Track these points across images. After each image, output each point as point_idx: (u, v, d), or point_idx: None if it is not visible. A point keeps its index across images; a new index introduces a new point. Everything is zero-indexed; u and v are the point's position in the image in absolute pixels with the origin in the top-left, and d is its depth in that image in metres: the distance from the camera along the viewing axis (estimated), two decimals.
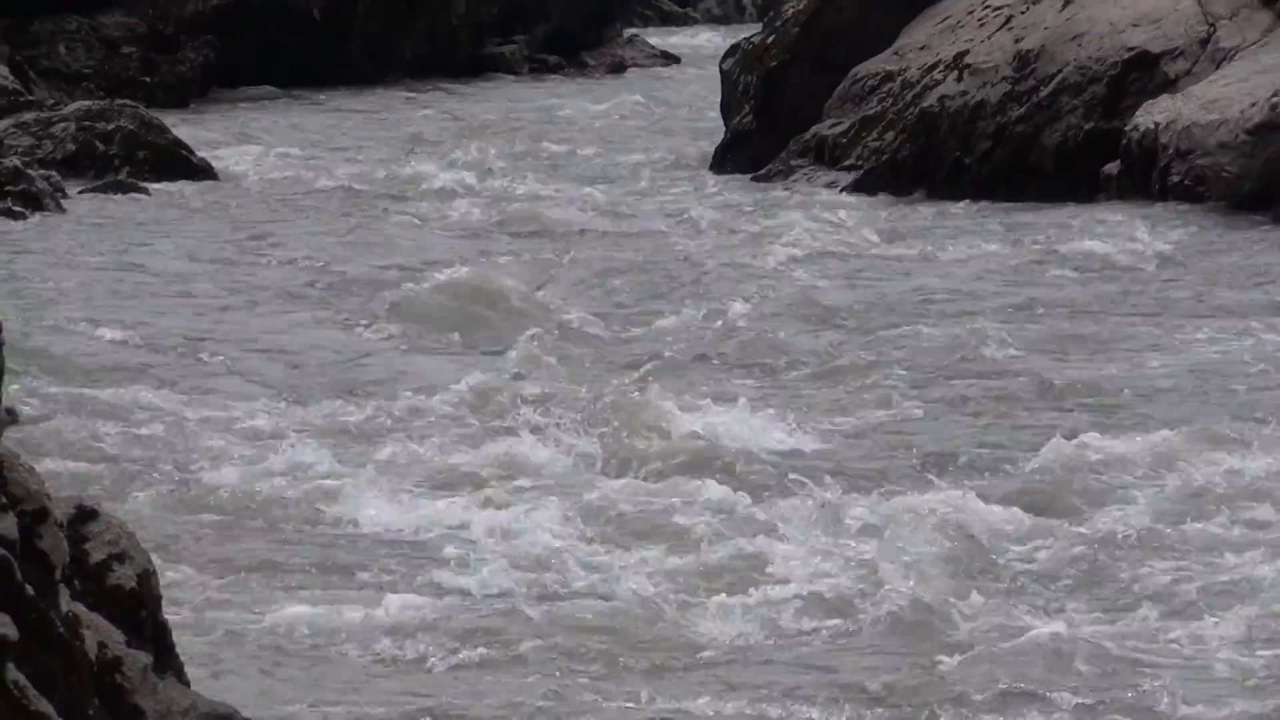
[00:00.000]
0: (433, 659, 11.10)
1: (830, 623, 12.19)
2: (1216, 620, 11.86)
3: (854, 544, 13.24)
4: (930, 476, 14.59)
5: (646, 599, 12.31)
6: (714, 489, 14.20)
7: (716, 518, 13.63)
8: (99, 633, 5.20)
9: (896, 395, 16.47)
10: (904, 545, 13.13)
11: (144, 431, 14.49)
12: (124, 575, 5.37)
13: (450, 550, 12.84)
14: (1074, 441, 14.96)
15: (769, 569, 12.75)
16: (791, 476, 14.42)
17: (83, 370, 15.91)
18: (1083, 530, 13.36)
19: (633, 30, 48.31)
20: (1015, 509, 13.72)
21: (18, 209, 22.95)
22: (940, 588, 12.48)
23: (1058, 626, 11.66)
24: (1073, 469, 14.52)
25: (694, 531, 13.39)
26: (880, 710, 10.93)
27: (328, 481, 13.78)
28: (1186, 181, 24.47)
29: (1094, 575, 12.67)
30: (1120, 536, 13.15)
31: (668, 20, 53.26)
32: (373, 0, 40.85)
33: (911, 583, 12.49)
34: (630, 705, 10.61)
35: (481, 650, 11.30)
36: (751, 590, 12.44)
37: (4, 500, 5.03)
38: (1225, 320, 18.35)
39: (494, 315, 18.70)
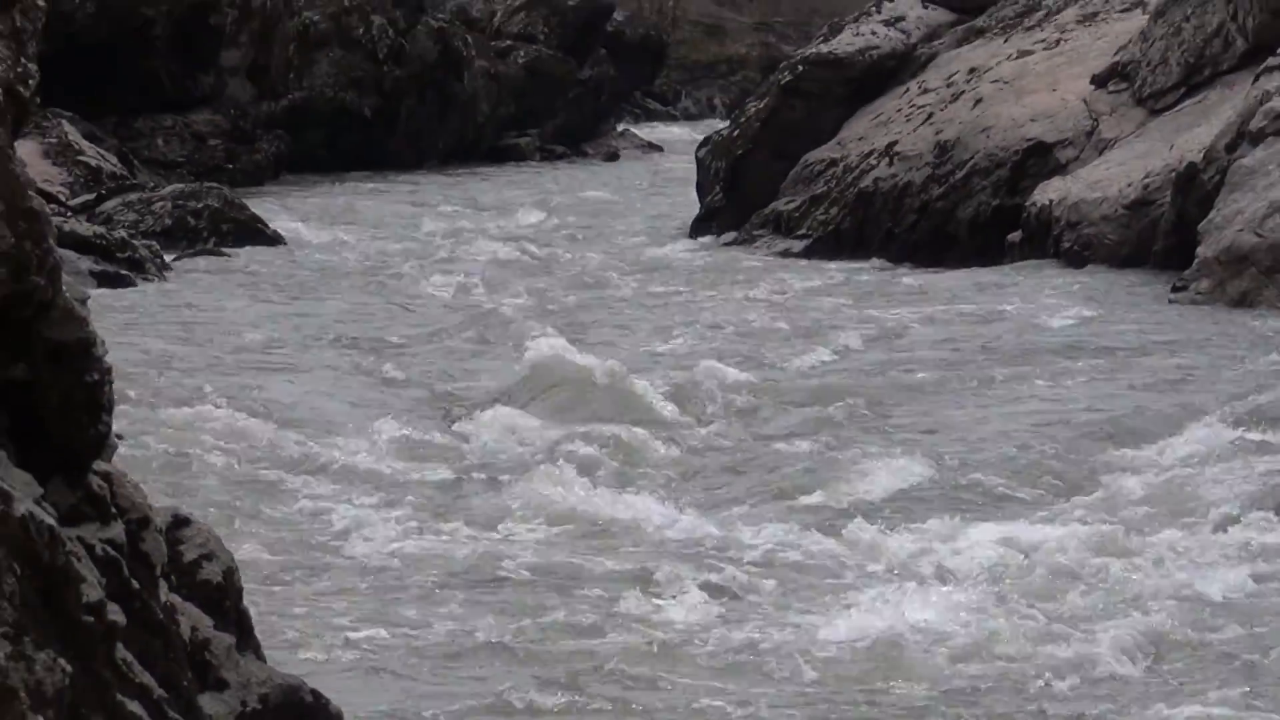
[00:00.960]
0: None
1: None
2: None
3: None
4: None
5: None
6: None
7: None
8: (191, 619, 5.10)
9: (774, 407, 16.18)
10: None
11: (225, 447, 14.11)
12: (212, 571, 5.25)
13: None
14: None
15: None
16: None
17: (176, 400, 15.47)
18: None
19: (624, 125, 47.89)
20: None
21: (125, 272, 22.84)
22: None
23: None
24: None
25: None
26: None
27: (365, 512, 12.97)
28: (1075, 247, 24.35)
29: None
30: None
31: (652, 117, 52.60)
32: (413, 102, 40.62)
33: None
34: None
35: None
36: None
37: (114, 511, 4.90)
38: (1101, 357, 17.99)
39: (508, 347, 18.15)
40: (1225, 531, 11.96)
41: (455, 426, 15.42)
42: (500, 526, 12.64)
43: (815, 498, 13.52)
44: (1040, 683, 9.69)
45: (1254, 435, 14.39)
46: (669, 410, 15.86)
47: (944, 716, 9.38)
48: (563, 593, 11.18)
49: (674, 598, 11.08)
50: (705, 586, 11.33)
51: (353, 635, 10.15)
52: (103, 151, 30.85)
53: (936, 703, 9.56)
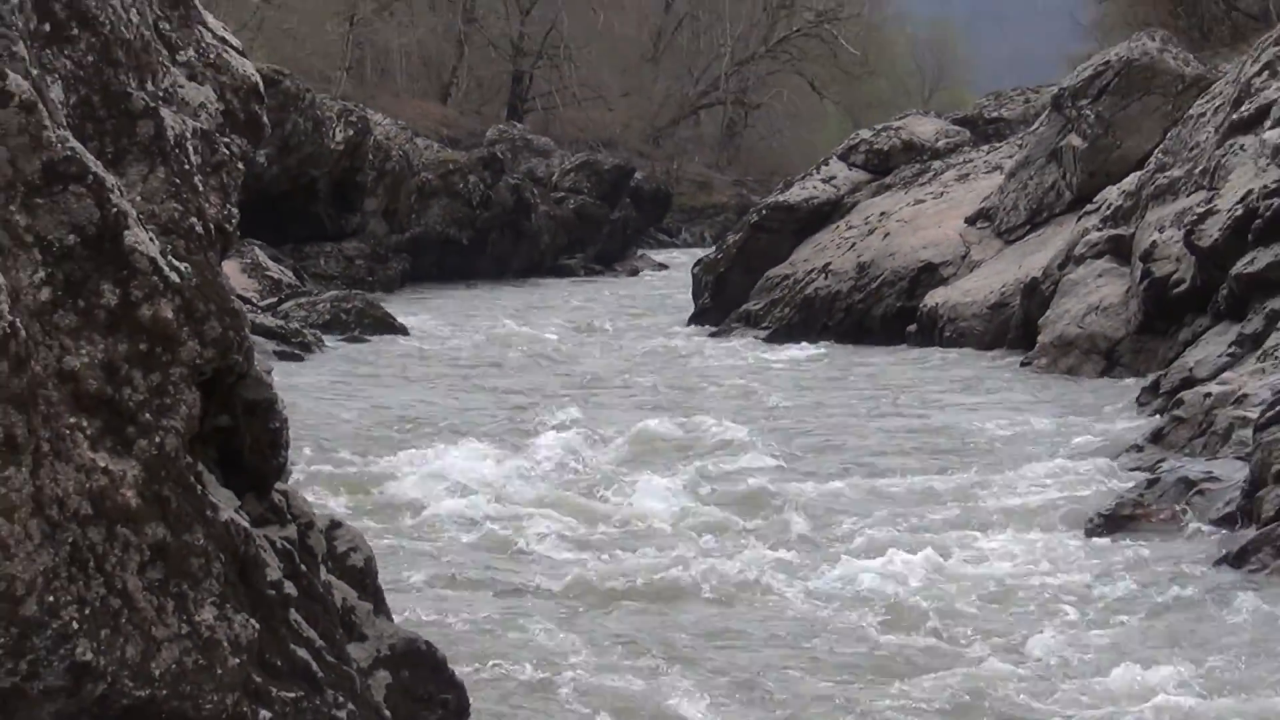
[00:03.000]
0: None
1: None
2: None
3: None
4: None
5: None
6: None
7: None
8: (342, 592, 5.12)
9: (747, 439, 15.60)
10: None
11: (370, 471, 13.94)
12: (356, 559, 5.23)
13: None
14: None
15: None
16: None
17: (338, 442, 15.31)
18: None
19: (642, 251, 47.97)
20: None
21: (297, 351, 22.85)
22: None
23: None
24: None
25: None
26: None
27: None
28: (953, 335, 24.33)
29: None
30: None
31: (661, 245, 52.61)
32: (496, 234, 40.62)
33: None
34: None
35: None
36: None
37: (289, 517, 4.95)
38: (969, 404, 18.14)
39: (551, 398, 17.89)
40: (1044, 533, 11.87)
41: (532, 442, 15.13)
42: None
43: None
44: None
45: (1070, 462, 14.39)
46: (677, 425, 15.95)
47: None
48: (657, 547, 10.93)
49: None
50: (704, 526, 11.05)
51: (453, 604, 9.99)
52: (282, 269, 30.88)
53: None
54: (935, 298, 25.44)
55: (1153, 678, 8.39)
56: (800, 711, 8.08)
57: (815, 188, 30.70)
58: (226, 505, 4.48)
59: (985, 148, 31.81)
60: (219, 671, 4.18)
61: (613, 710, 7.94)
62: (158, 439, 4.19)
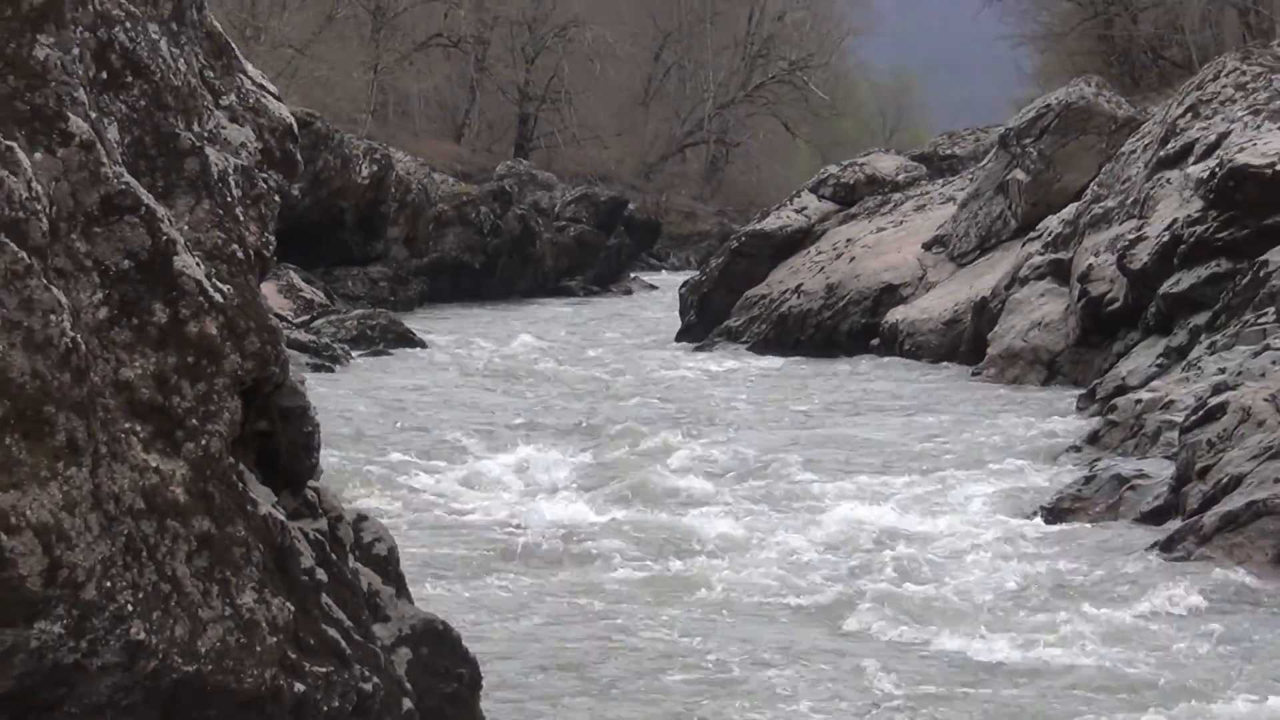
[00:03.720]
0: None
1: None
2: None
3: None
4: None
5: None
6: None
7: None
8: (368, 578, 5.10)
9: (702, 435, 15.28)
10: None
11: (392, 463, 14.00)
12: (381, 548, 5.20)
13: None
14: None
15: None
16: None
17: (361, 442, 15.35)
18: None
19: (635, 273, 47.93)
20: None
21: (328, 363, 22.82)
22: None
23: None
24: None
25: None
26: None
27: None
28: (911, 348, 24.31)
29: None
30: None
31: (652, 268, 52.64)
32: (505, 259, 40.59)
33: None
34: None
35: None
36: None
37: (320, 511, 4.93)
38: (923, 407, 18.09)
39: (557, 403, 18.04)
40: (995, 523, 11.87)
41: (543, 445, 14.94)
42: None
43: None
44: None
45: (1016, 460, 14.40)
46: (664, 427, 15.79)
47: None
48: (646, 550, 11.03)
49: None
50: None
51: (466, 586, 9.97)
52: (314, 290, 30.88)
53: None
54: (896, 315, 25.46)
55: (1084, 652, 8.45)
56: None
57: (789, 217, 30.72)
58: (265, 501, 4.49)
59: (940, 181, 31.83)
60: (258, 649, 4.19)
61: (610, 680, 7.93)
62: (203, 442, 4.20)
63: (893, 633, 9.00)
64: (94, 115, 4.15)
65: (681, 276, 37.41)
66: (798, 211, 30.85)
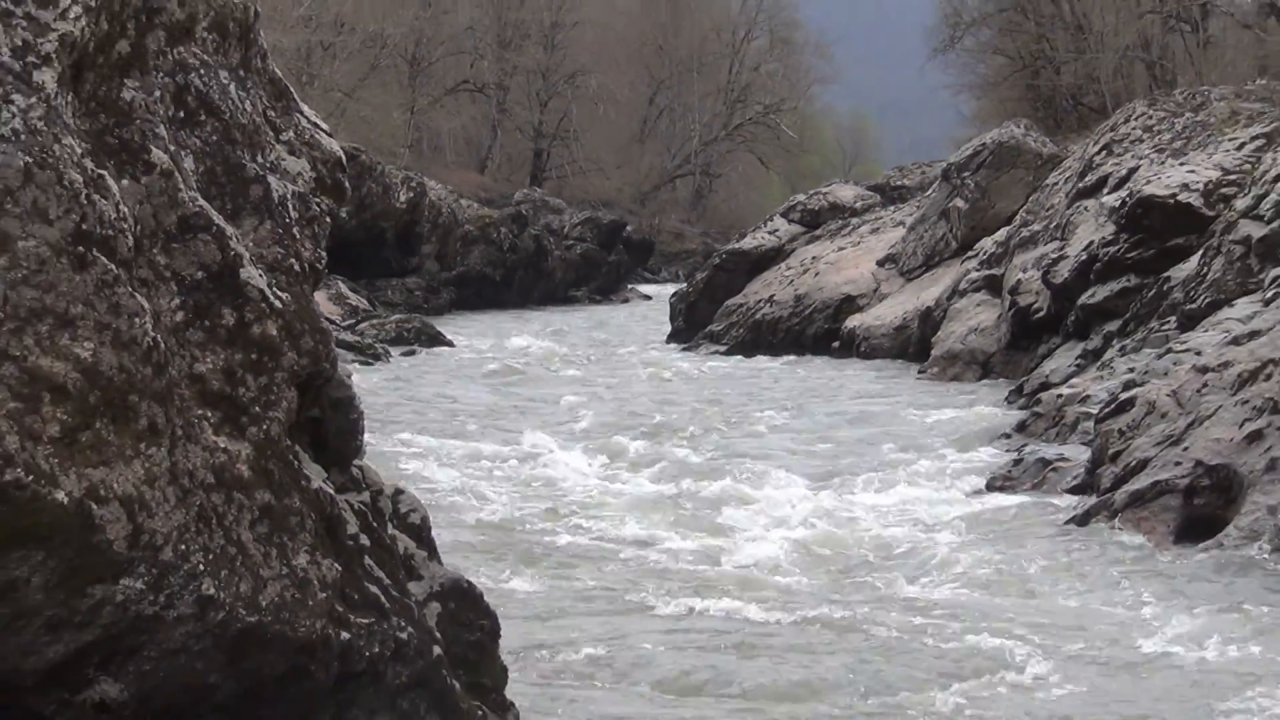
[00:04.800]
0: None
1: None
2: None
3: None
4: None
5: None
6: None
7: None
8: (404, 542, 5.05)
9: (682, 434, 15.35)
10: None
11: (427, 447, 13.94)
12: (415, 517, 5.19)
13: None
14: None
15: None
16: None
17: (402, 426, 15.36)
18: None
19: (632, 285, 47.93)
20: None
21: (370, 360, 22.86)
22: None
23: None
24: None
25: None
26: None
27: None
28: (866, 350, 24.32)
29: None
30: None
31: (646, 281, 52.54)
32: (522, 272, 40.72)
33: None
34: None
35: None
36: None
37: (364, 485, 4.87)
38: (875, 396, 18.10)
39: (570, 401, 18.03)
40: (938, 499, 11.89)
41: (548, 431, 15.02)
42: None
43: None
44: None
45: (954, 445, 14.43)
46: (658, 413, 15.84)
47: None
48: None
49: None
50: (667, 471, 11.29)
51: (484, 551, 9.95)
52: (359, 297, 30.89)
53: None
54: (853, 321, 25.48)
55: (1008, 603, 8.45)
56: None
57: (763, 238, 30.74)
58: (317, 477, 4.48)
59: (892, 208, 31.88)
60: (310, 603, 4.19)
61: (596, 639, 7.90)
62: (265, 426, 4.19)
63: (846, 582, 9.04)
64: (173, 148, 4.15)
65: (671, 288, 37.46)
66: (770, 233, 30.88)
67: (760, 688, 6.98)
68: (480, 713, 5.09)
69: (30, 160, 3.51)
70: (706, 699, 6.86)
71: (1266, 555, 9.16)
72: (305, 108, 4.96)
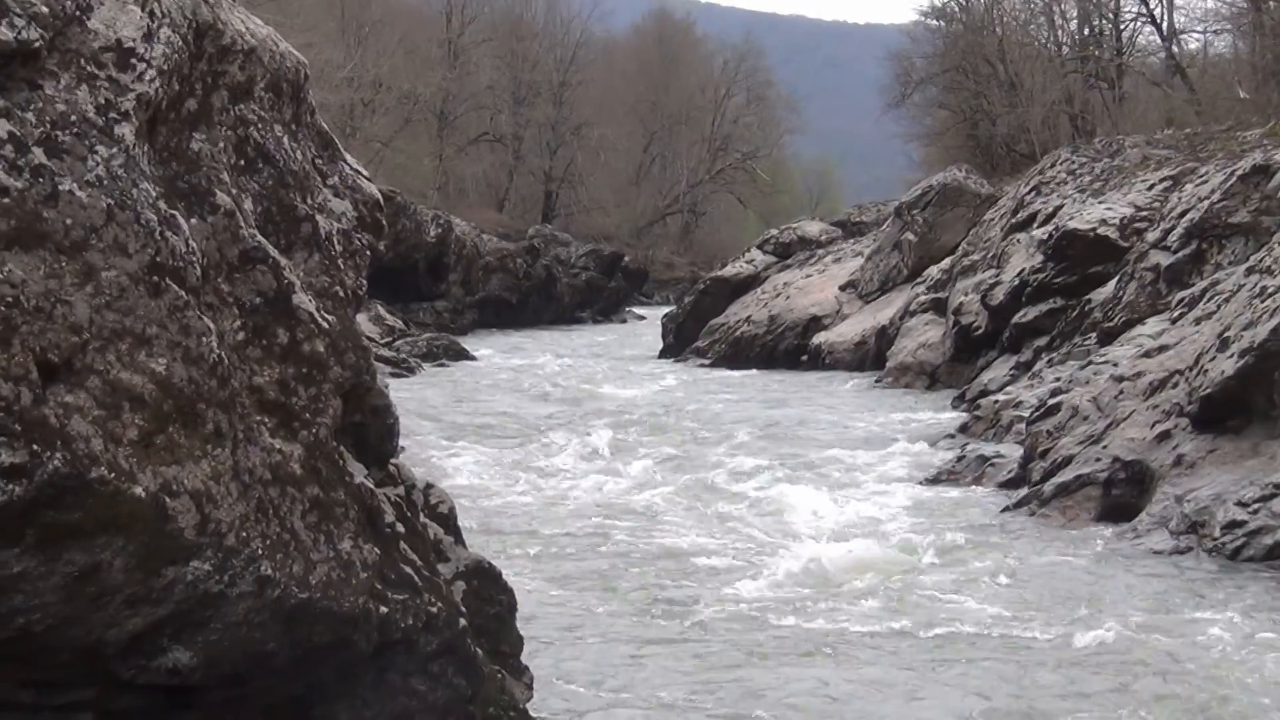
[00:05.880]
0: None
1: None
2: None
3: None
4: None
5: None
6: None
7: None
8: (433, 529, 5.05)
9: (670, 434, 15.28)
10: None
11: (459, 448, 13.90)
12: (443, 508, 5.18)
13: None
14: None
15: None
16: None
17: (432, 428, 15.34)
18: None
19: (630, 308, 47.80)
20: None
21: (404, 372, 22.79)
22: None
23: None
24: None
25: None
26: None
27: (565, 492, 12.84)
28: (831, 362, 24.34)
29: None
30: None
31: (642, 304, 52.44)
32: (535, 297, 40.66)
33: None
34: None
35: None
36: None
37: (399, 480, 4.85)
38: (837, 404, 18.01)
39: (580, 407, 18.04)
40: (892, 491, 11.84)
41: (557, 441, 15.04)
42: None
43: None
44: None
45: (906, 443, 14.40)
46: (651, 416, 15.81)
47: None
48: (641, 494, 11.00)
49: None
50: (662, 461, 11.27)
51: (502, 536, 9.93)
52: (395, 318, 30.81)
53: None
54: (819, 338, 25.46)
55: (948, 575, 8.44)
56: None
57: (741, 266, 30.74)
58: (359, 473, 4.47)
59: (852, 241, 31.89)
60: (354, 582, 4.18)
61: (587, 609, 7.89)
62: (314, 430, 4.19)
63: (806, 555, 8.98)
64: (234, 191, 4.16)
65: (663, 310, 37.42)
66: (748, 262, 30.88)
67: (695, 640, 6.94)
68: (500, 675, 5.09)
69: (112, 202, 3.52)
70: (673, 645, 6.84)
71: (1171, 537, 9.17)
72: (348, 156, 4.96)
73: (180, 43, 3.88)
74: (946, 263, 23.69)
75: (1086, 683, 6.39)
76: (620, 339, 35.32)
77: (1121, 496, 10.07)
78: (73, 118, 3.50)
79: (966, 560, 9.00)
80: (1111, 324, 15.28)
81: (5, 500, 3.15)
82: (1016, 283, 19.43)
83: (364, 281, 4.67)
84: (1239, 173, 15.19)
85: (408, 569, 4.54)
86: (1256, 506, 8.72)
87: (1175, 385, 10.74)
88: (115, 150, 3.57)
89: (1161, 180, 19.23)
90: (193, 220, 3.90)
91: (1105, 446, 10.58)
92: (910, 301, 23.48)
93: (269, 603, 3.86)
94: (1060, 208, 20.96)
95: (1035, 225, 20.98)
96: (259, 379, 4.04)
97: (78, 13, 3.59)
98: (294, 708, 4.20)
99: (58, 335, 3.32)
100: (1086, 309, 17.32)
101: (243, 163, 4.26)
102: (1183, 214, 15.82)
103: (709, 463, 13.24)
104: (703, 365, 26.41)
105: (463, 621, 4.76)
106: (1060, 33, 43.84)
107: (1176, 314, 12.94)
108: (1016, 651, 6.94)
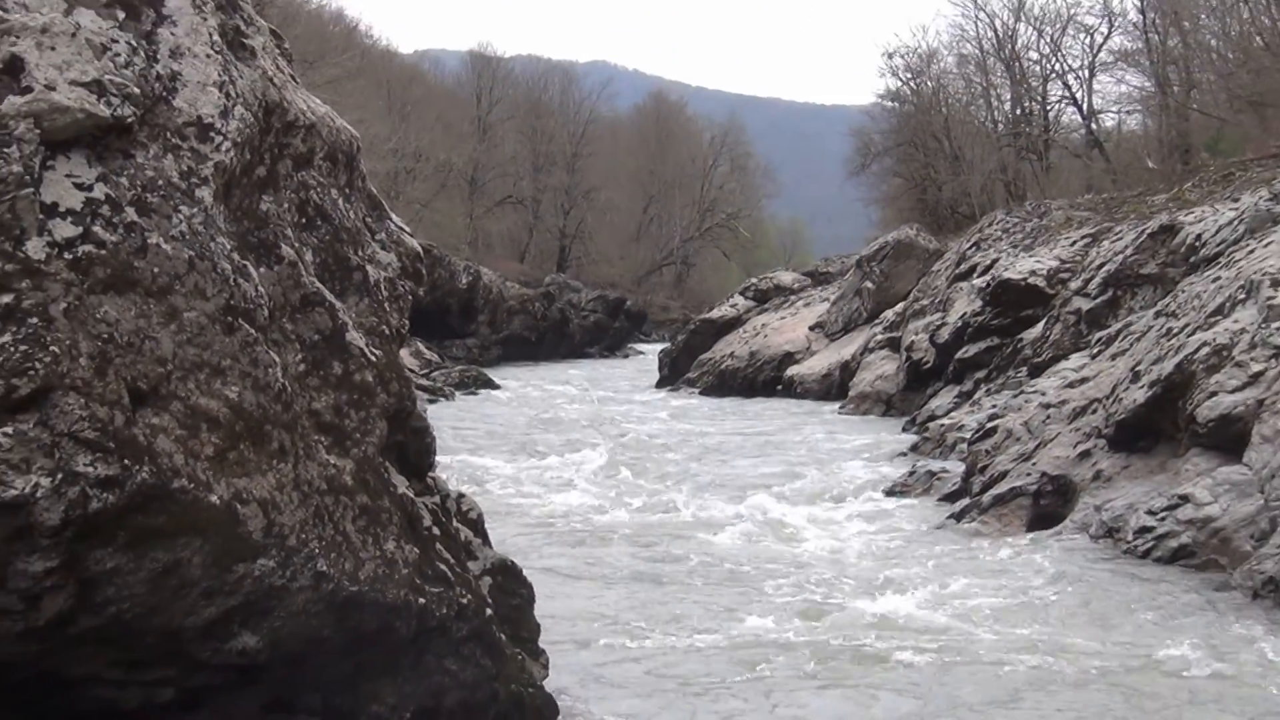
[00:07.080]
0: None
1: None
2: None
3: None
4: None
5: None
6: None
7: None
8: (464, 532, 5.00)
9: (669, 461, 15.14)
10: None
11: (486, 466, 13.68)
12: (473, 514, 5.16)
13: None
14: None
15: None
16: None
17: (464, 449, 15.21)
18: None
19: (631, 344, 47.85)
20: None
21: (440, 398, 22.73)
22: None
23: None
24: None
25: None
26: None
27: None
28: (802, 391, 24.27)
29: None
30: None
31: (642, 341, 52.47)
32: (552, 335, 40.61)
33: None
34: None
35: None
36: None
37: (435, 490, 4.82)
38: (805, 428, 17.97)
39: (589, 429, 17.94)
40: (854, 500, 11.81)
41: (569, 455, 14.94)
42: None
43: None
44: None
45: (865, 461, 14.32)
46: (646, 435, 15.74)
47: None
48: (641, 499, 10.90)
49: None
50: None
51: (522, 540, 9.88)
52: (432, 353, 30.74)
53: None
54: (792, 370, 25.40)
55: (898, 572, 8.40)
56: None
57: (726, 310, 30.70)
58: (401, 484, 4.47)
59: (820, 288, 31.86)
60: (396, 577, 4.17)
61: (595, 598, 7.84)
62: (363, 448, 4.19)
63: (774, 551, 8.93)
64: (297, 245, 4.17)
65: (660, 347, 37.35)
66: (731, 306, 30.86)
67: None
68: (520, 657, 5.07)
69: (193, 254, 3.53)
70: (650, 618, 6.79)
71: (1091, 541, 9.16)
72: (393, 215, 4.98)
73: (252, 119, 3.90)
74: (900, 307, 23.71)
75: (1012, 666, 6.35)
76: (623, 371, 35.27)
77: (1049, 506, 10.05)
78: (160, 182, 3.52)
79: (914, 560, 8.96)
80: (1040, 359, 15.28)
81: (100, 507, 3.16)
82: (959, 324, 19.43)
83: (406, 321, 4.68)
84: (1148, 231, 15.23)
85: (442, 566, 4.53)
86: (1164, 514, 8.72)
87: (1095, 411, 10.73)
88: (196, 210, 3.59)
89: (1083, 237, 19.26)
90: (261, 269, 3.91)
91: (1035, 463, 10.57)
92: (869, 340, 23.47)
93: (324, 595, 3.85)
94: (996, 260, 20.99)
95: (975, 275, 21.01)
96: (317, 404, 4.05)
97: (165, 93, 3.61)
98: (344, 684, 4.18)
99: (146, 366, 3.33)
100: (1019, 346, 17.32)
101: (304, 220, 4.27)
102: (1101, 266, 15.85)
103: (693, 472, 13.21)
104: (693, 393, 26.37)
105: (489, 611, 4.75)
106: (996, 112, 44.12)
107: (1095, 351, 12.95)
108: (948, 647, 6.89)
